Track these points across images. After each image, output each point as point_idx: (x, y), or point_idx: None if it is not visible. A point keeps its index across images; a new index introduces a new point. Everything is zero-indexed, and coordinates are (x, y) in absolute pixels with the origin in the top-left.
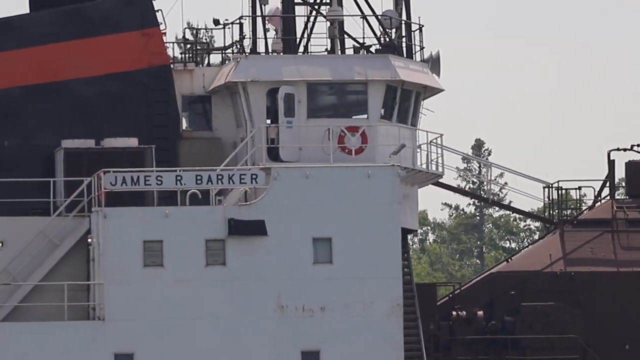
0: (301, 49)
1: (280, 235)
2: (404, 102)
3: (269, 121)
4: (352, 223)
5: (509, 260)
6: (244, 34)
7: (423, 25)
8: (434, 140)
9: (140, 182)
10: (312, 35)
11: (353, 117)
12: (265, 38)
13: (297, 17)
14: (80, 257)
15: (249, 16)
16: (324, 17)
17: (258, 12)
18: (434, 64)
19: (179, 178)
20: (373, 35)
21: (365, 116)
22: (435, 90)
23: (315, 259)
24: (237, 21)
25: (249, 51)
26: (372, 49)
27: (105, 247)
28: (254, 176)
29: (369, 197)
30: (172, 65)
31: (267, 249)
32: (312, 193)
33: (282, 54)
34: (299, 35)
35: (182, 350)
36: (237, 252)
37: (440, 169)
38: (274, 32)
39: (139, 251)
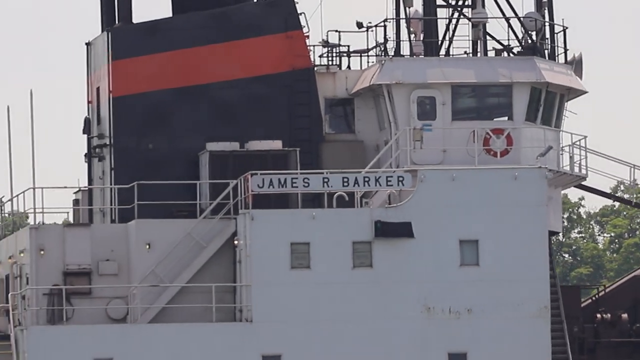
0: (442, 51)
1: (426, 237)
2: (548, 104)
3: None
4: (499, 225)
5: None
6: (387, 37)
7: (567, 27)
8: (578, 142)
9: (287, 184)
10: (453, 38)
11: (495, 119)
12: (410, 40)
13: (439, 20)
14: (227, 259)
15: (393, 19)
16: (468, 19)
17: (402, 15)
18: (576, 66)
19: (325, 180)
20: (515, 38)
21: (507, 118)
22: (578, 92)
23: (462, 261)
24: (382, 24)
25: (392, 53)
26: (513, 51)
27: (253, 249)
28: (400, 178)
29: (516, 199)
30: (314, 68)
31: (413, 251)
32: (459, 195)
33: (422, 56)
34: (439, 37)
35: (329, 352)
36: (384, 254)
37: (584, 171)
38: (413, 35)
39: (287, 253)
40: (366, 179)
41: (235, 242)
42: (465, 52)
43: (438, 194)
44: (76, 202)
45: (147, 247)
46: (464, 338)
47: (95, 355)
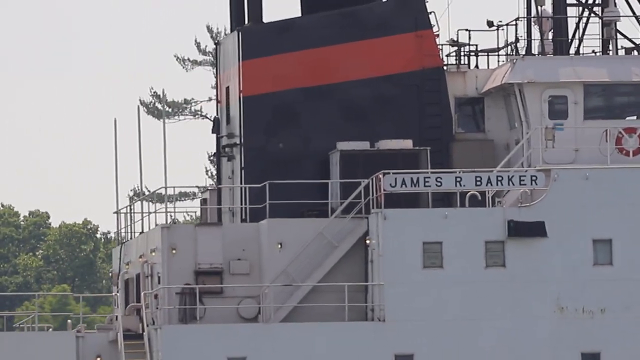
0: (571, 50)
1: (560, 237)
2: None
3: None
4: (632, 224)
5: None
6: (519, 36)
7: None
8: None
9: (419, 183)
10: (583, 37)
11: (627, 118)
12: (542, 39)
13: (569, 18)
14: (358, 259)
15: (525, 17)
16: (600, 17)
17: (533, 13)
18: None
19: (458, 180)
20: None
21: (635, 117)
22: None
23: (595, 260)
24: (513, 22)
25: (523, 52)
26: None
27: (385, 249)
28: (533, 178)
29: None
30: (444, 67)
31: (546, 250)
32: (592, 194)
33: (552, 55)
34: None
35: (462, 352)
36: (517, 253)
37: None
38: (539, 34)
39: (419, 252)
40: (499, 178)
41: (367, 241)
42: (593, 51)
43: (571, 193)
44: (204, 201)
45: (279, 246)
46: (597, 338)
47: (229, 354)
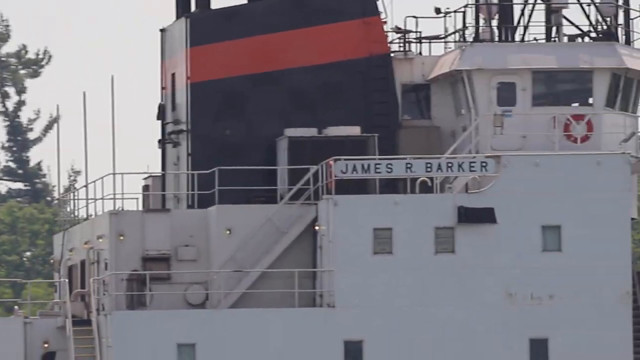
0: (517, 38)
1: (509, 223)
2: (626, 90)
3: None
4: (581, 211)
5: None
6: (467, 23)
7: None
8: None
9: (370, 169)
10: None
11: (572, 105)
12: (491, 26)
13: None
14: (306, 245)
15: (474, 4)
16: (548, 4)
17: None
18: None
19: (408, 166)
20: (589, 24)
21: (585, 104)
22: None
23: (544, 246)
24: (461, 9)
25: (471, 39)
26: (587, 37)
27: (336, 235)
28: (483, 164)
29: (599, 185)
30: (391, 54)
31: (496, 236)
32: (542, 181)
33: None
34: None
35: (411, 338)
36: (466, 239)
37: None
38: (483, 21)
39: (369, 239)
40: (449, 165)
41: (316, 227)
42: (535, 39)
43: (521, 180)
44: (146, 188)
45: (228, 232)
46: (545, 324)
47: (179, 340)
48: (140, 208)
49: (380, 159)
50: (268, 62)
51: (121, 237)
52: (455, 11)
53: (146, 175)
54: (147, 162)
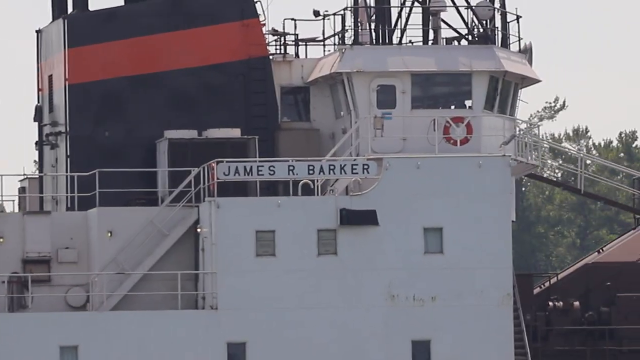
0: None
1: (391, 225)
2: (504, 92)
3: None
4: (463, 213)
5: (600, 251)
6: (347, 26)
7: (521, 16)
8: (530, 131)
9: (253, 172)
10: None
11: (452, 107)
12: (370, 29)
13: (392, 8)
14: (188, 247)
15: (353, 7)
16: (425, 7)
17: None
18: (526, 54)
19: (291, 168)
20: (465, 27)
21: (465, 106)
22: (532, 81)
23: (426, 248)
24: (340, 12)
25: (350, 42)
26: (464, 40)
27: (219, 237)
28: (365, 166)
29: (480, 187)
30: (270, 57)
31: (378, 238)
32: (424, 183)
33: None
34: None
35: (294, 340)
36: (349, 241)
37: (536, 160)
38: (359, 25)
39: (252, 241)
40: (331, 167)
41: (198, 229)
42: (410, 41)
43: (403, 182)
44: (22, 190)
45: (109, 234)
46: (427, 326)
47: (61, 343)
48: (17, 210)
49: (262, 161)
50: (148, 64)
51: (0, 239)
52: (334, 14)
53: (22, 177)
54: (24, 164)
